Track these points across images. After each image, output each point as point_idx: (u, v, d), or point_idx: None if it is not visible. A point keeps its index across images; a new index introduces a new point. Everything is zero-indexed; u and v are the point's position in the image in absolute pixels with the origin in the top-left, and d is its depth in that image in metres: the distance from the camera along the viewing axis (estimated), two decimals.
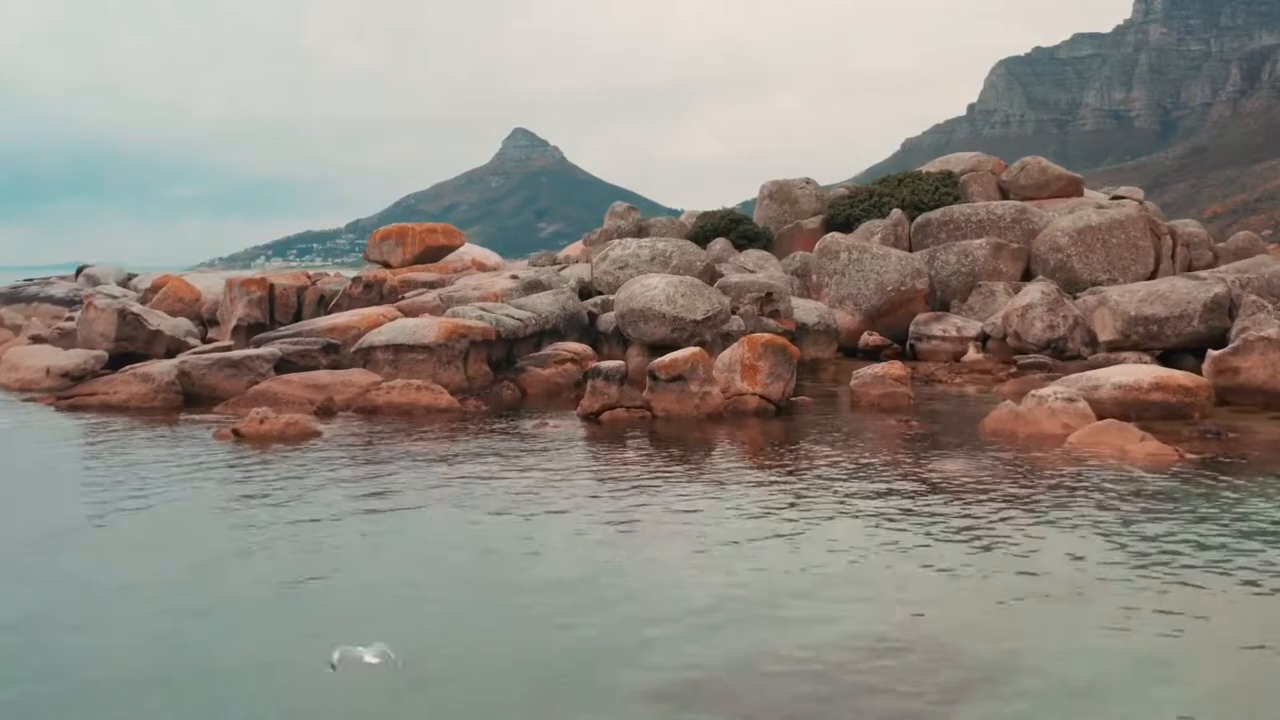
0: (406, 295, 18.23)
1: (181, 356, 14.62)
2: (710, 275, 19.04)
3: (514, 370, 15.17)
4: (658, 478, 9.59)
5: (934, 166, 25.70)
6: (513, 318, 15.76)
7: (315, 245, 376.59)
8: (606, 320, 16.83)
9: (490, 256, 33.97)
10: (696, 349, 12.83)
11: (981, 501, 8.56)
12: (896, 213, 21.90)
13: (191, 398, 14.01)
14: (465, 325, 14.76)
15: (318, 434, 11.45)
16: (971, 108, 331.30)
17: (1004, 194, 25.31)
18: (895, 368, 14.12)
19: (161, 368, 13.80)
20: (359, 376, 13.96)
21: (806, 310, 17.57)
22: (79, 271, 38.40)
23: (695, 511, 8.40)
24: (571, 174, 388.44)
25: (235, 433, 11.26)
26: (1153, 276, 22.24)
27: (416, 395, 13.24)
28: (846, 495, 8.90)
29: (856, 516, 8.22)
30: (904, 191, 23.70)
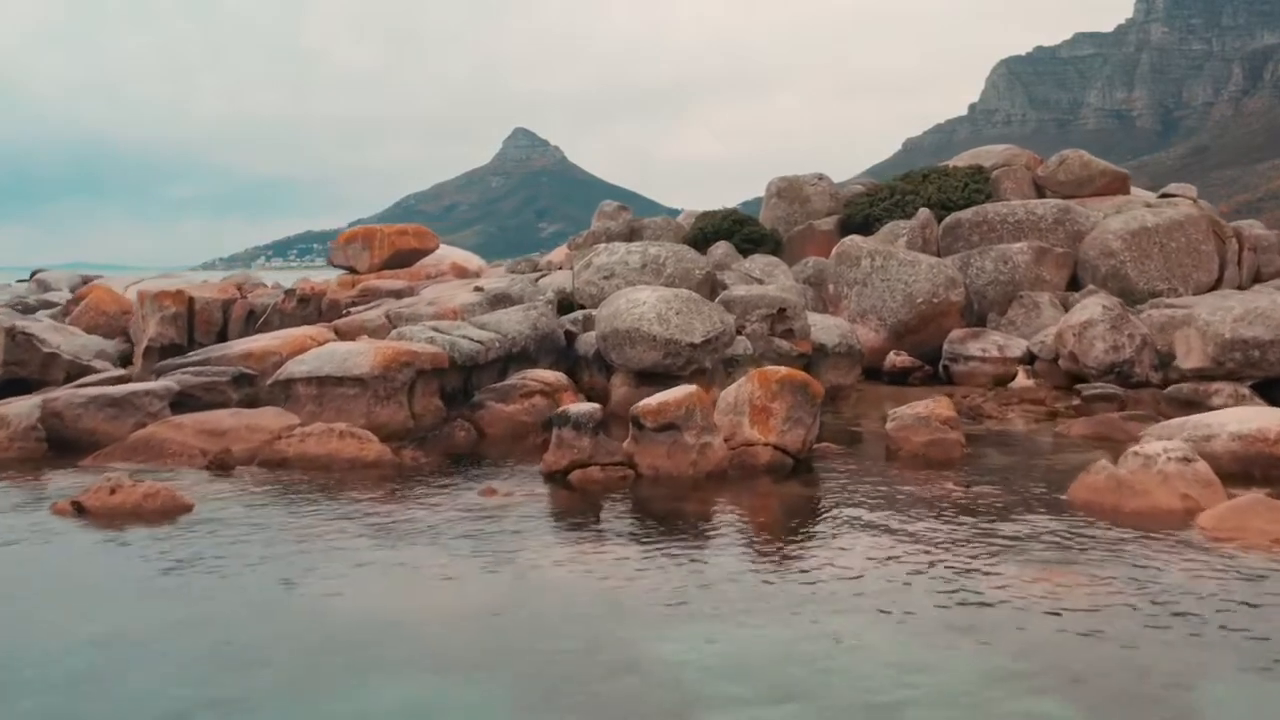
0: (354, 310, 15.32)
1: (50, 392, 11.70)
2: (711, 286, 16.14)
3: (471, 405, 12.27)
4: (639, 595, 6.64)
5: (962, 161, 22.76)
6: (472, 340, 12.86)
7: (315, 245, 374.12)
8: (587, 341, 13.93)
9: (471, 260, 31.08)
10: (692, 389, 9.86)
11: (1133, 666, 5.61)
12: (924, 213, 18.97)
13: (64, 444, 11.08)
14: (410, 351, 11.85)
15: (188, 509, 8.50)
16: (973, 107, 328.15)
17: (1039, 191, 22.39)
18: (942, 406, 11.18)
19: (19, 409, 10.82)
20: (270, 419, 11.02)
21: (825, 329, 14.66)
22: (33, 275, 35.61)
23: (689, 661, 5.46)
24: (572, 174, 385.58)
25: (77, 506, 8.35)
26: (1217, 285, 19.32)
27: (338, 444, 10.30)
28: (910, 635, 5.94)
29: (937, 686, 5.27)
30: (929, 188, 20.78)
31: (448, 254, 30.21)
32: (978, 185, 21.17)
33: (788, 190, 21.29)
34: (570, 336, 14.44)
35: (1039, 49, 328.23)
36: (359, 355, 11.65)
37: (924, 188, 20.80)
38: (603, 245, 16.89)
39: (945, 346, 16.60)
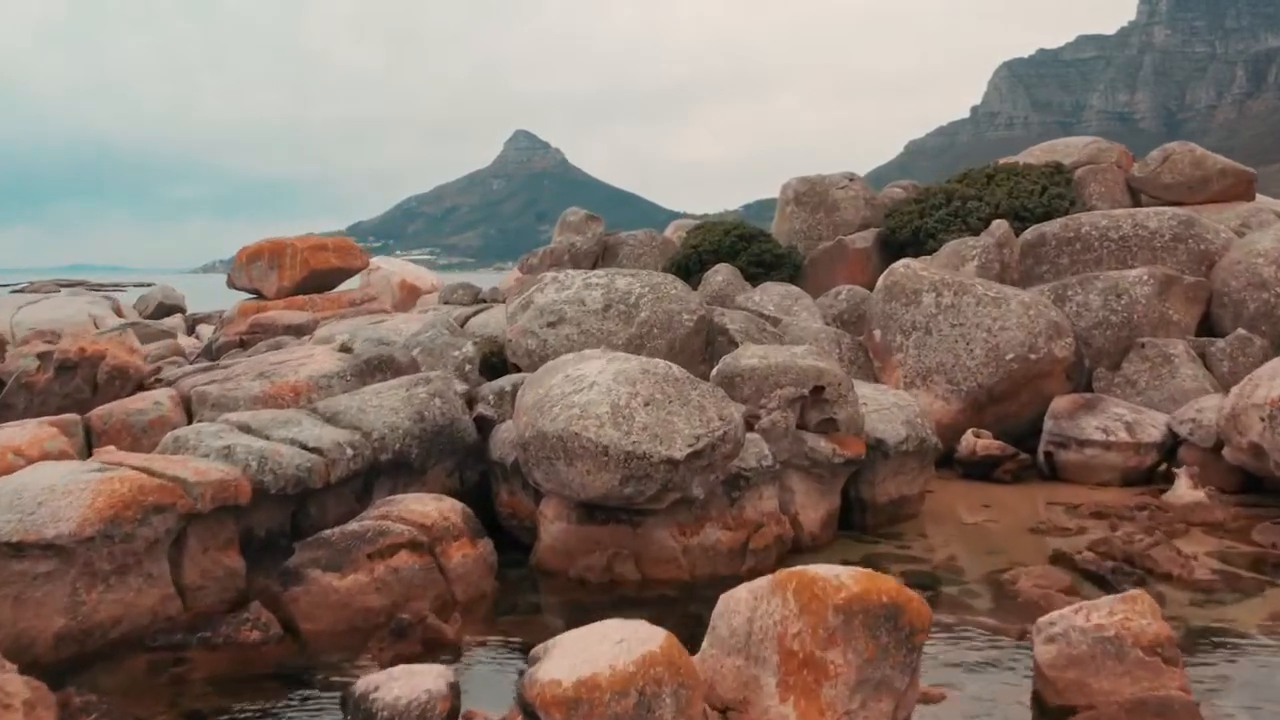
0: (162, 379, 9.91)
1: None
2: (707, 337, 10.79)
3: (281, 574, 6.93)
4: None
5: (1032, 156, 17.38)
6: (304, 449, 7.57)
7: None
8: (509, 435, 8.62)
9: (424, 277, 25.52)
10: (652, 645, 4.44)
11: None
12: (1001, 226, 13.59)
13: None
14: (166, 484, 6.56)
15: None
16: (975, 109, 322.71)
17: (1134, 196, 17.02)
18: (1139, 609, 5.80)
19: None
20: None
21: (882, 411, 9.30)
22: None
23: None
24: (573, 176, 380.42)
25: None
26: None
27: None
28: None
29: None
30: (997, 192, 15.39)
31: (394, 270, 24.74)
32: (1059, 189, 15.80)
33: (809, 195, 15.91)
34: (485, 424, 9.10)
35: (1041, 51, 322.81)
36: (65, 494, 6.32)
37: (990, 191, 15.41)
38: (549, 276, 11.48)
39: (1048, 424, 11.25)
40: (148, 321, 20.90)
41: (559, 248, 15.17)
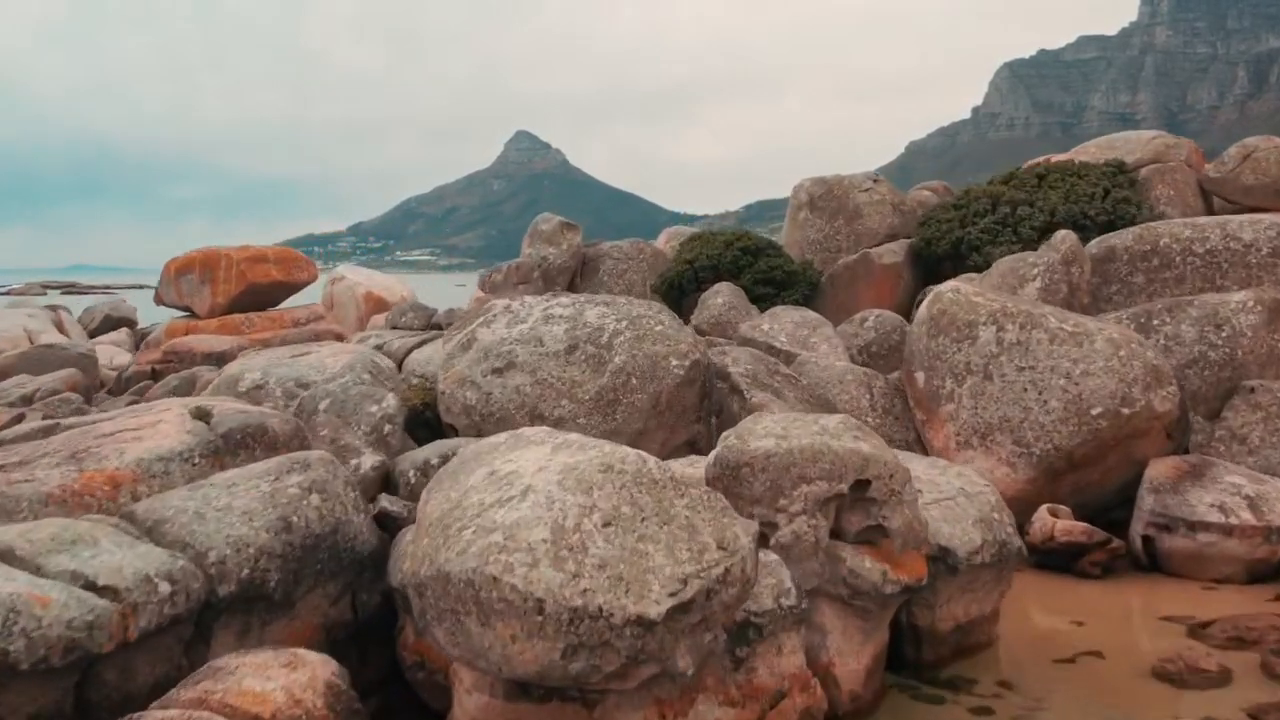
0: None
1: None
2: (702, 388, 8.14)
3: None
4: None
5: (1087, 153, 14.70)
6: (93, 587, 4.99)
7: (316, 248, 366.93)
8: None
9: (394, 289, 22.82)
10: None
11: None
12: (1067, 238, 10.93)
13: None
14: None
15: None
16: (975, 110, 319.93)
17: (1207, 200, 14.40)
18: None
19: None
20: None
21: (947, 506, 6.68)
22: None
23: None
24: (573, 176, 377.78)
25: None
26: None
27: None
28: None
29: None
30: (1051, 196, 12.71)
31: (358, 281, 22.03)
32: (1124, 191, 13.13)
33: (827, 199, 13.25)
34: (388, 523, 6.48)
35: (1042, 51, 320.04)
36: None
37: (1042, 195, 12.74)
38: (501, 304, 8.82)
39: (1147, 498, 8.60)
40: (66, 344, 18.23)
41: (527, 262, 12.52)
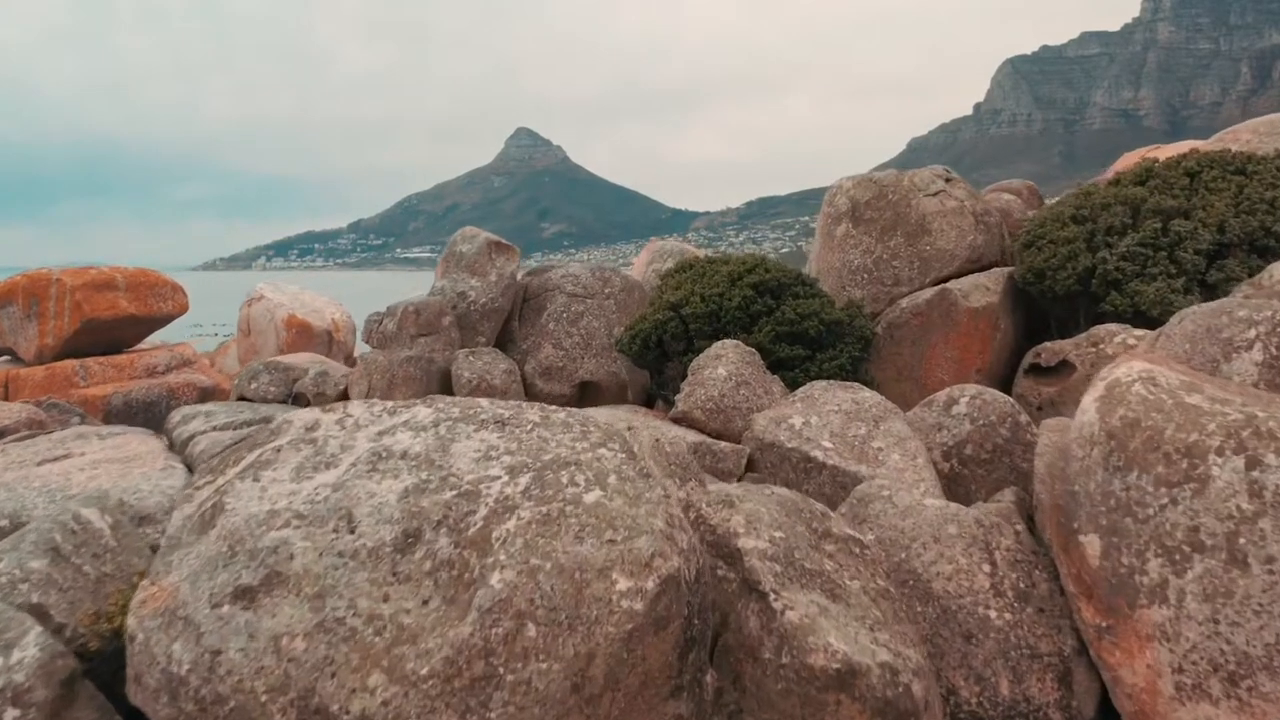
0: None
1: None
2: (687, 630, 4.02)
3: None
4: None
5: (1239, 141, 10.51)
6: None
7: (317, 246, 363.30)
8: None
9: (324, 312, 18.58)
10: None
11: None
12: None
13: None
14: None
15: None
16: (978, 107, 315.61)
17: None
18: None
19: None
20: None
21: None
22: None
23: None
24: (574, 174, 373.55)
25: None
26: None
27: None
28: None
29: None
30: (1216, 204, 8.54)
31: (280, 302, 17.82)
32: None
33: (878, 206, 9.02)
34: None
35: (1045, 48, 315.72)
36: None
37: (1201, 201, 8.52)
38: (300, 421, 4.71)
39: None
40: None
41: (435, 303, 8.33)
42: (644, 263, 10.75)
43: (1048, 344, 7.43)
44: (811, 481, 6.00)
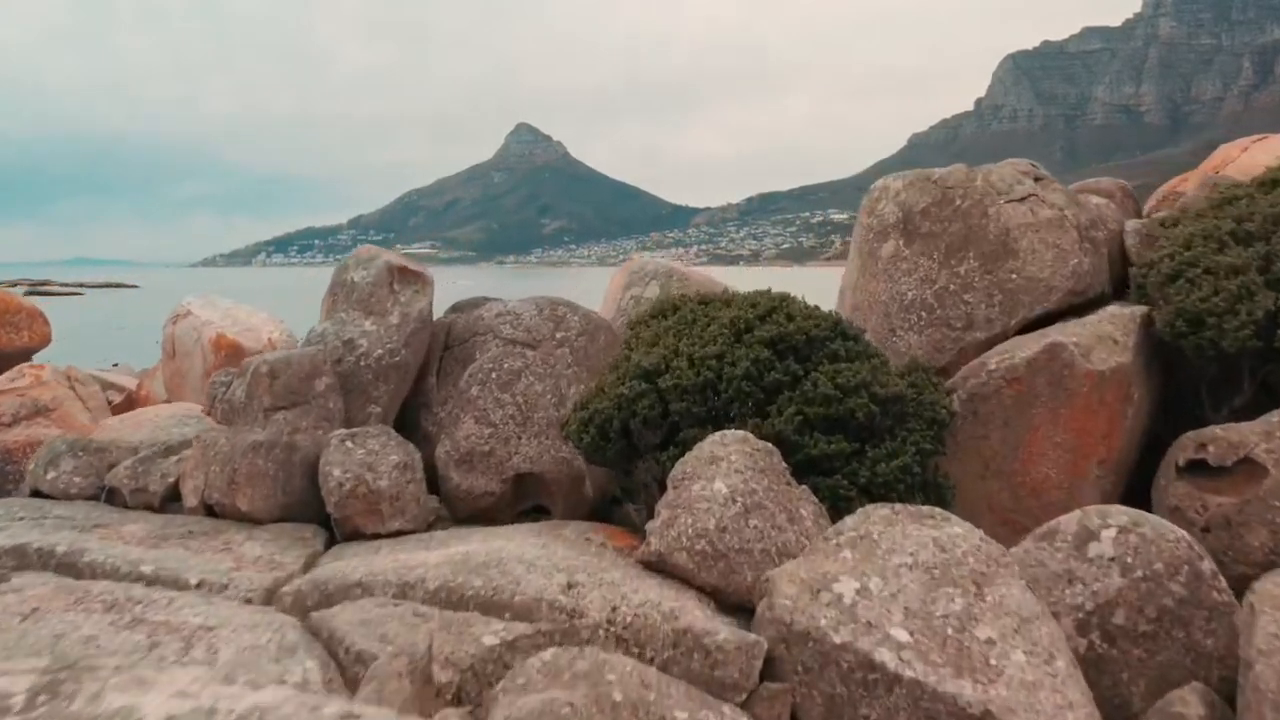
0: None
1: None
2: None
3: None
4: None
5: None
6: None
7: (317, 241, 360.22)
8: None
9: (259, 331, 15.57)
10: None
11: None
12: None
13: None
14: None
15: None
16: (979, 103, 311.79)
17: None
18: None
19: None
20: None
21: None
22: None
23: None
24: (575, 169, 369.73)
25: None
26: None
27: None
28: None
29: None
30: None
31: (209, 319, 14.95)
32: None
33: (943, 214, 6.37)
34: None
35: (1046, 44, 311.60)
36: None
37: None
38: None
39: None
40: None
41: (303, 360, 5.59)
42: (619, 286, 8.12)
43: (1214, 430, 4.83)
44: (876, 704, 3.42)
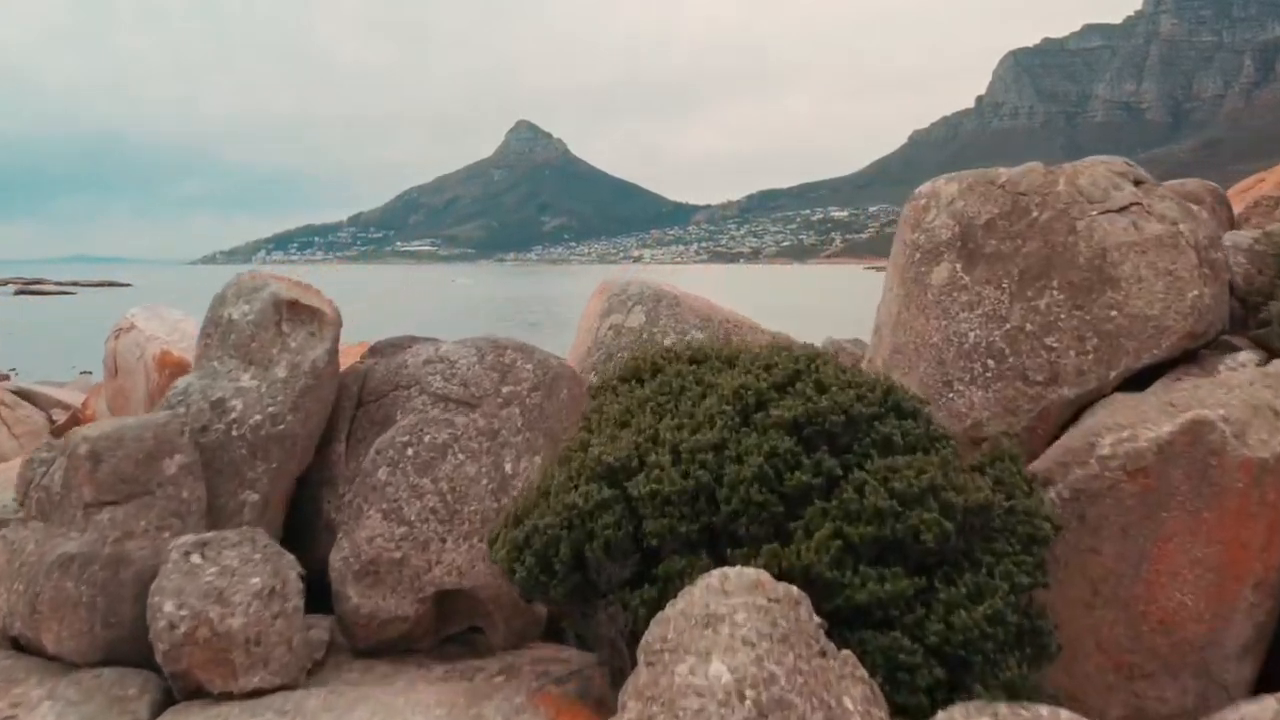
0: None
1: None
2: None
3: None
4: None
5: None
6: None
7: (316, 239, 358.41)
8: None
9: (174, 341, 13.63)
10: None
11: None
12: None
13: None
14: None
15: None
16: (979, 100, 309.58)
17: None
18: None
19: None
20: None
21: None
22: None
23: None
24: (575, 167, 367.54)
25: None
26: None
27: None
28: None
29: None
30: None
31: (152, 334, 13.25)
32: None
33: (1011, 229, 4.83)
34: None
35: (1047, 41, 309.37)
36: None
37: None
38: None
39: None
40: None
41: (144, 433, 4.09)
42: (596, 313, 6.56)
43: None
44: None
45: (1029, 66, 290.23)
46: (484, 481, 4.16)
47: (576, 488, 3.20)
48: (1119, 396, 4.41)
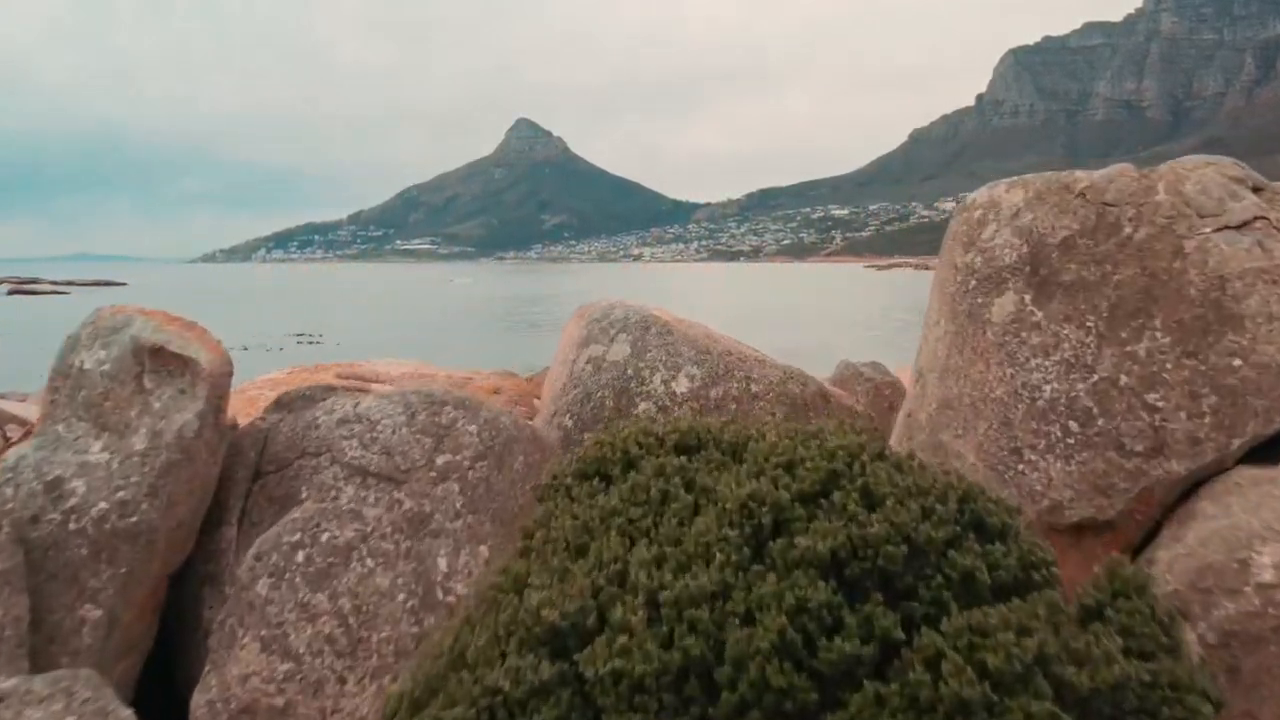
0: None
1: None
2: None
3: None
4: None
5: None
6: None
7: (316, 237, 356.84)
8: None
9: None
10: None
11: None
12: None
13: None
14: None
15: None
16: (980, 98, 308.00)
17: None
18: None
19: None
20: None
21: None
22: None
23: None
24: (575, 165, 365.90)
25: None
26: None
27: None
28: None
29: None
30: None
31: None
32: None
33: (1097, 250, 3.82)
34: None
35: (1047, 38, 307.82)
36: None
37: None
38: None
39: None
40: None
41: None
42: (573, 341, 5.49)
43: None
44: None
45: (1030, 64, 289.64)
46: (400, 597, 3.08)
47: (503, 658, 2.12)
48: (1247, 473, 3.33)
